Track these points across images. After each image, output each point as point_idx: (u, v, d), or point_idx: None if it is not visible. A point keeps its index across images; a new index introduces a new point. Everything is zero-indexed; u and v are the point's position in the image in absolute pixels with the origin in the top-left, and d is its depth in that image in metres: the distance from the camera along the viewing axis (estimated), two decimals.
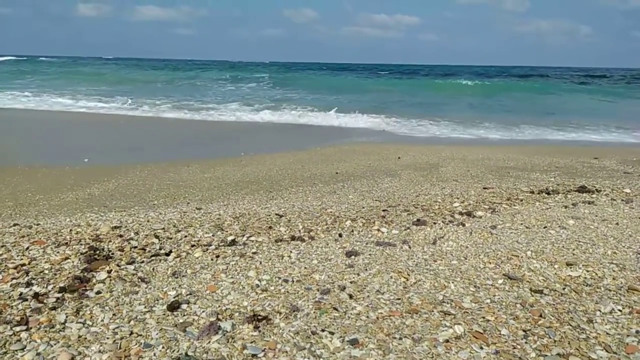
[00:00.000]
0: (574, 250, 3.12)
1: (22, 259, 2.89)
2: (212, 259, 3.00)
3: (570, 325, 2.13)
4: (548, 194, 5.01)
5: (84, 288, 2.51)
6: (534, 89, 28.02)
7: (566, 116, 15.86)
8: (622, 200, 4.70)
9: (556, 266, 2.83)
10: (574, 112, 17.49)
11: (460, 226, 3.76)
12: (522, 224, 3.80)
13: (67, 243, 3.24)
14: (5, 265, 2.77)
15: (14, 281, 2.57)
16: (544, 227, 3.67)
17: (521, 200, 4.72)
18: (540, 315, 2.21)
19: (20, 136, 10.16)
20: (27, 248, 3.10)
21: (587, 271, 2.75)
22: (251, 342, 1.98)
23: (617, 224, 3.77)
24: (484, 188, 5.37)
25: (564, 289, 2.51)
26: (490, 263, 2.89)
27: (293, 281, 2.64)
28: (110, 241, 3.31)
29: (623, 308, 2.28)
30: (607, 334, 2.06)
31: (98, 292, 2.46)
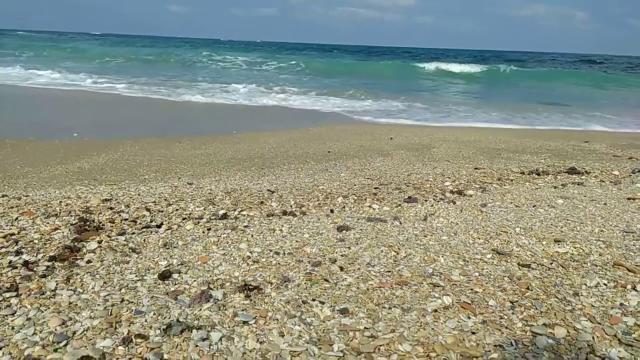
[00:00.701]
0: (562, 227, 3.16)
1: (11, 229, 2.86)
2: (203, 232, 3.00)
3: (557, 298, 2.16)
4: (538, 174, 5.05)
5: (74, 257, 2.50)
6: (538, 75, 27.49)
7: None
8: (611, 182, 4.76)
9: (544, 242, 2.87)
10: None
11: (451, 204, 3.78)
12: (511, 202, 3.84)
13: (56, 214, 3.21)
14: None
15: (3, 250, 2.55)
16: (533, 206, 3.71)
17: (511, 181, 4.76)
18: (528, 288, 2.25)
19: (5, 110, 9.99)
20: (16, 218, 3.07)
21: (575, 247, 2.78)
22: (242, 310, 1.99)
23: (605, 204, 3.82)
24: (475, 168, 5.39)
25: (551, 263, 2.55)
26: (479, 239, 2.92)
27: (284, 254, 2.65)
28: (100, 213, 3.29)
29: (608, 282, 2.32)
30: (592, 306, 2.09)
31: (88, 262, 2.45)
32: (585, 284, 2.31)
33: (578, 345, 1.80)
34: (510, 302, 2.12)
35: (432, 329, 1.89)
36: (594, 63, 41.72)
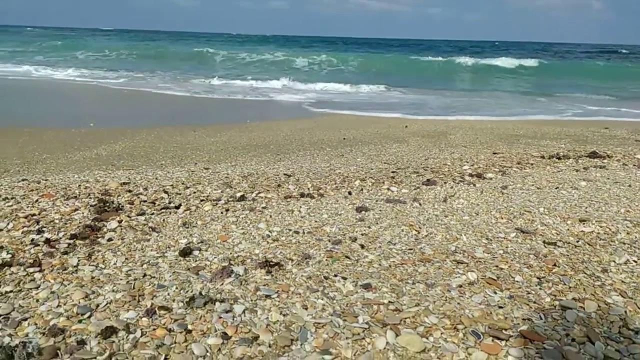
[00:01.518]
0: (586, 208, 3.09)
1: (31, 210, 2.88)
2: (221, 212, 2.99)
3: (585, 274, 2.11)
4: (559, 158, 4.95)
5: (95, 235, 2.50)
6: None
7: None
8: (634, 165, 4.65)
9: (569, 222, 2.80)
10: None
11: (471, 186, 3.72)
12: (533, 185, 3.76)
13: (76, 196, 3.23)
14: (16, 215, 2.77)
15: (25, 229, 2.57)
16: (556, 188, 3.63)
17: (531, 164, 4.67)
18: (555, 265, 2.19)
19: (22, 102, 10.10)
20: (37, 200, 3.09)
21: (601, 227, 2.72)
22: (264, 285, 1.97)
23: (629, 186, 3.72)
24: (494, 153, 5.31)
25: (577, 241, 2.49)
26: (502, 218, 2.86)
27: (304, 233, 2.63)
28: (119, 195, 3.30)
29: (638, 259, 2.25)
30: (623, 282, 2.04)
31: (109, 240, 2.45)
32: (614, 261, 2.25)
33: (610, 318, 1.75)
34: (537, 278, 2.07)
35: (458, 303, 1.85)
36: (613, 53, 40.25)
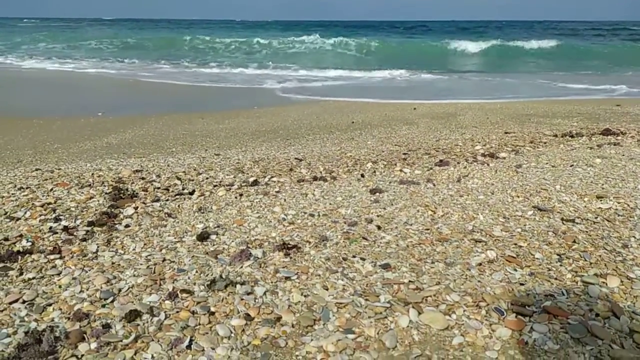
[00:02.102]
0: (603, 185, 3.06)
1: (47, 199, 2.90)
2: (235, 197, 2.99)
3: (606, 250, 2.09)
4: (572, 137, 4.89)
5: (112, 222, 2.52)
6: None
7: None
8: None
9: (586, 199, 2.78)
10: None
11: (485, 165, 3.69)
12: (547, 163, 3.72)
13: (90, 185, 3.24)
14: (32, 204, 2.78)
15: (42, 217, 2.58)
16: (571, 166, 3.59)
17: (545, 143, 4.62)
18: (574, 241, 2.17)
19: (28, 93, 10.13)
20: (51, 189, 3.11)
21: (619, 203, 2.69)
22: (283, 267, 1.98)
23: None
24: (506, 133, 5.26)
25: (596, 218, 2.47)
26: (518, 197, 2.84)
27: (319, 215, 2.63)
28: (133, 183, 3.31)
29: None
30: None
31: (127, 226, 2.47)
32: (634, 237, 2.22)
33: (634, 293, 1.73)
34: (557, 254, 2.06)
35: (479, 281, 1.85)
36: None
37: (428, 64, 17.42)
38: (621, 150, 4.15)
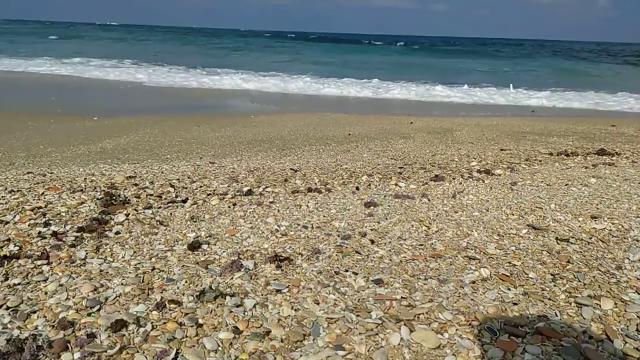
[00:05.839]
0: (597, 205, 3.05)
1: (37, 203, 2.86)
2: (229, 207, 2.96)
3: (600, 271, 2.08)
4: (567, 155, 4.91)
5: (102, 229, 2.48)
6: None
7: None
8: None
9: (580, 219, 2.77)
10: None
11: (480, 182, 3.69)
12: (542, 181, 3.72)
13: (82, 190, 3.20)
14: (22, 207, 2.74)
15: (32, 221, 2.54)
16: (566, 185, 3.59)
17: (540, 161, 4.63)
18: (568, 261, 2.16)
19: (21, 96, 10.09)
20: (42, 193, 3.07)
21: (613, 224, 2.68)
22: (274, 279, 1.95)
23: (639, 183, 3.68)
24: (501, 149, 5.27)
25: (590, 238, 2.46)
26: (513, 215, 2.83)
27: (313, 227, 2.60)
28: (126, 189, 3.27)
29: None
30: (638, 279, 2.00)
31: (117, 233, 2.43)
32: (628, 258, 2.21)
33: (627, 316, 1.72)
34: (551, 274, 2.04)
35: (472, 299, 1.83)
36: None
37: None
38: (616, 171, 4.17)
